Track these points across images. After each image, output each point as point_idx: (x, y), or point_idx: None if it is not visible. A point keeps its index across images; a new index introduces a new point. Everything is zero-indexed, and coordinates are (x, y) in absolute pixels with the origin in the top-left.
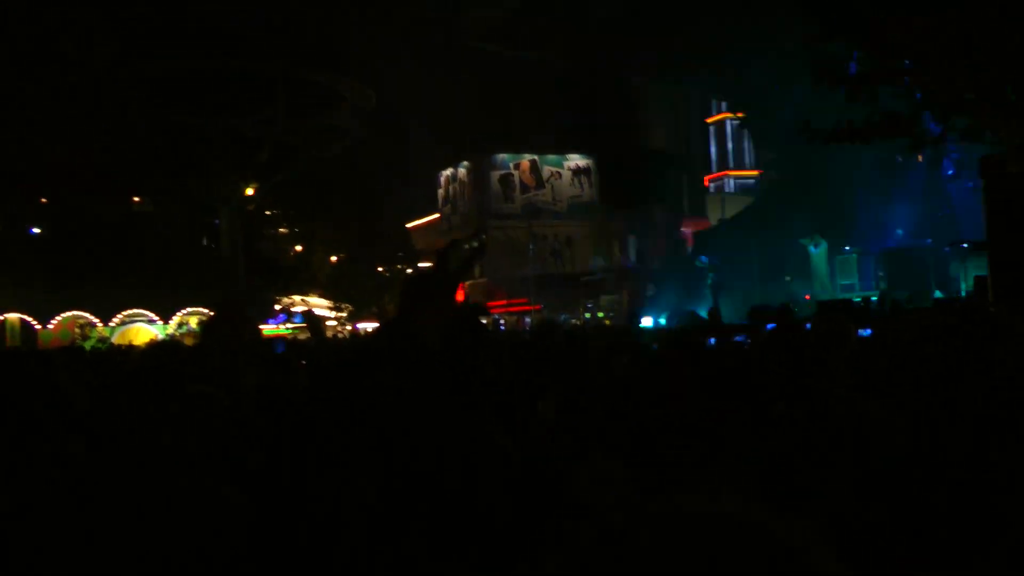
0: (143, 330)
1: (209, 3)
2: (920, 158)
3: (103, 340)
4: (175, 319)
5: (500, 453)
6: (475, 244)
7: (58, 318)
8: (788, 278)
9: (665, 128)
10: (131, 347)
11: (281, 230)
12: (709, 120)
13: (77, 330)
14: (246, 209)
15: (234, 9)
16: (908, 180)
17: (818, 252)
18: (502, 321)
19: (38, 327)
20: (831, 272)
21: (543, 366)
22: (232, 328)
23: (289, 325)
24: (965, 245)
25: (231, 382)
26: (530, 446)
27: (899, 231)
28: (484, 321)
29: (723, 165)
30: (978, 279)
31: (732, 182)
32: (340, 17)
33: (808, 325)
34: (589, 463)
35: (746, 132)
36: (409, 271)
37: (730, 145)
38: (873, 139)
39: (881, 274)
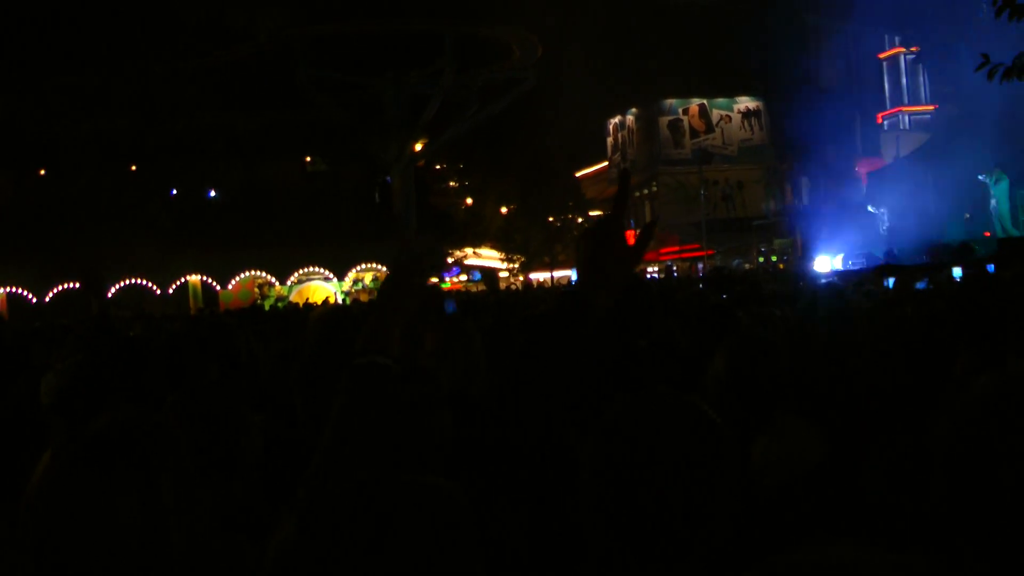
0: (319, 288)
1: None
2: None
3: (281, 299)
4: (350, 276)
5: None
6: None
7: (237, 279)
8: (967, 215)
9: (836, 66)
10: (308, 305)
11: (452, 184)
12: (882, 55)
13: (256, 290)
14: (417, 165)
15: None
16: None
17: (999, 188)
18: (675, 268)
19: (218, 288)
20: (1012, 209)
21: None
22: (409, 289)
23: (463, 277)
24: None
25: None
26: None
27: None
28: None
29: (897, 101)
30: None
31: (907, 119)
32: None
33: (991, 267)
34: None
35: (921, 67)
36: (580, 220)
37: (904, 80)
38: None
39: None
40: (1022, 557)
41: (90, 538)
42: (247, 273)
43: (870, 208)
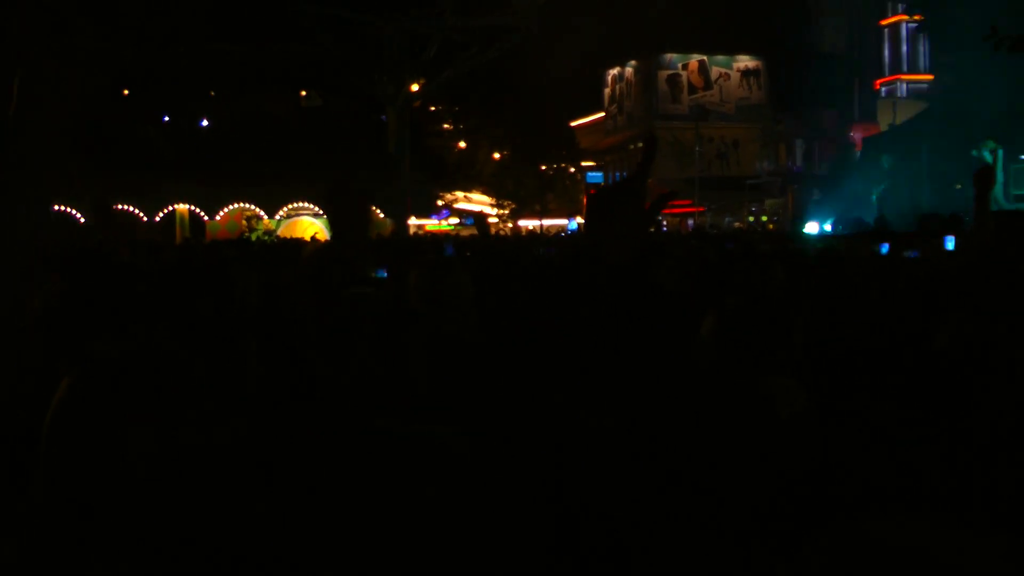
0: (308, 223)
1: None
2: None
3: (269, 233)
4: None
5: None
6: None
7: (225, 210)
8: (959, 186)
9: (837, 30)
10: (301, 242)
11: (446, 126)
12: (883, 22)
13: (244, 222)
14: (412, 105)
15: None
16: None
17: (991, 160)
18: (664, 222)
19: (206, 219)
20: (1005, 182)
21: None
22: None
23: (452, 220)
24: None
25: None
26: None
27: None
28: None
29: (896, 69)
30: None
31: (905, 87)
32: None
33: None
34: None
35: (922, 35)
36: (572, 170)
37: (904, 48)
38: None
39: None
40: None
41: (103, 467)
42: (235, 205)
43: (884, 163)
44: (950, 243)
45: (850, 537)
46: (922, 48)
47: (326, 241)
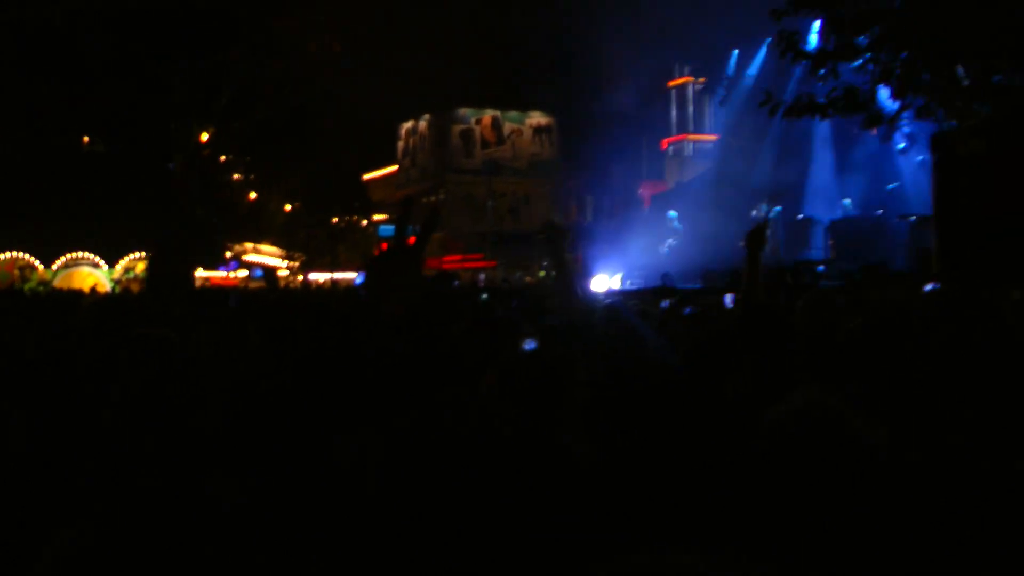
0: (88, 274)
1: None
2: (874, 131)
3: (44, 283)
4: (121, 264)
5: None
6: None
7: None
8: (741, 244)
9: (627, 90)
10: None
11: (236, 176)
12: (671, 83)
13: (16, 272)
14: (202, 154)
15: None
16: (860, 150)
17: (771, 218)
18: (456, 279)
19: None
20: (784, 239)
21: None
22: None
23: (241, 272)
24: (913, 218)
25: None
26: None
27: (846, 201)
28: (456, 283)
29: (683, 128)
30: (921, 251)
31: (691, 146)
32: None
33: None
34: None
35: (707, 97)
36: (365, 223)
37: (690, 109)
38: (831, 113)
39: (831, 243)
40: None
41: None
42: (7, 254)
43: (670, 217)
44: (728, 300)
45: (618, 571)
46: (707, 109)
47: (107, 294)
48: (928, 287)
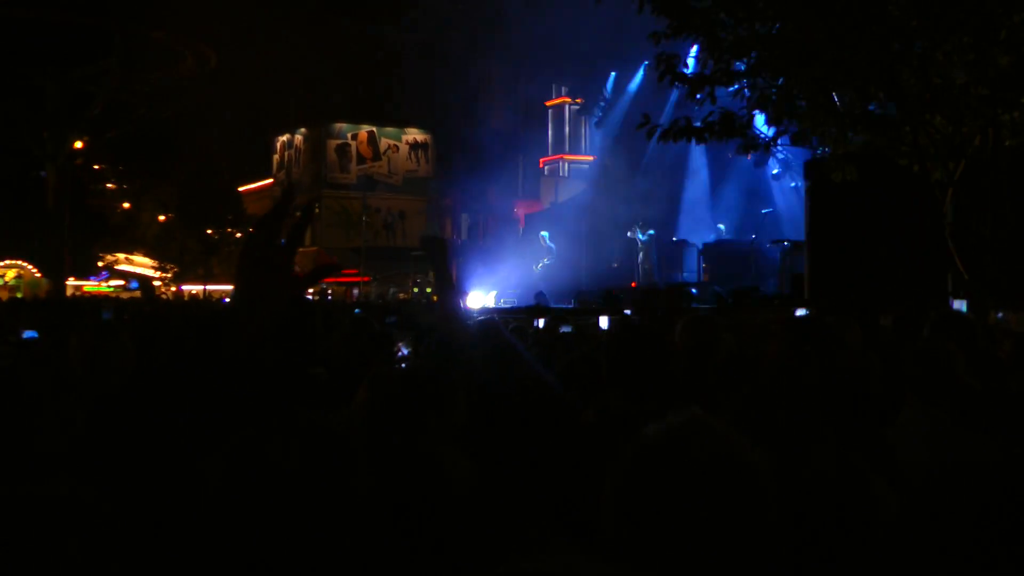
0: None
1: None
2: (749, 156)
3: None
4: None
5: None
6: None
7: None
8: (615, 264)
9: (504, 108)
10: None
11: (109, 186)
12: (548, 103)
13: None
14: (75, 163)
15: None
16: (734, 176)
17: (645, 240)
18: (329, 292)
19: None
20: (658, 261)
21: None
22: None
23: (112, 283)
24: (786, 243)
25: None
26: None
27: (720, 226)
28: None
29: (559, 148)
30: (795, 276)
31: (567, 166)
32: None
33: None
34: None
35: (583, 117)
36: (239, 235)
37: (567, 129)
38: (708, 137)
39: (704, 266)
40: None
41: None
42: None
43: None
44: (603, 321)
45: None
46: (584, 130)
47: None
48: (798, 312)
